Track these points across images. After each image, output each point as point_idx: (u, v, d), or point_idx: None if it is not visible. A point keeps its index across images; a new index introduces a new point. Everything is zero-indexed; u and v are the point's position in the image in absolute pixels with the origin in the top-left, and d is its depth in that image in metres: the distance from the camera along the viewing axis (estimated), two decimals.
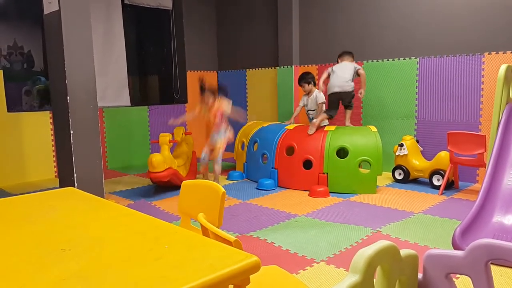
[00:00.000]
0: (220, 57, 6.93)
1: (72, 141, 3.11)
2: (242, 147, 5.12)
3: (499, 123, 3.28)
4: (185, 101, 6.53)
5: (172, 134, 4.62)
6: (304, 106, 5.05)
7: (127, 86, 5.90)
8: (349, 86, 4.71)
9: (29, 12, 5.36)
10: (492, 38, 4.17)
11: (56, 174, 5.13)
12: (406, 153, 4.37)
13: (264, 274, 1.48)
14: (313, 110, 4.93)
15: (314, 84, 4.94)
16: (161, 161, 3.99)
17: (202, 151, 4.43)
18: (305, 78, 4.90)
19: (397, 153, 4.46)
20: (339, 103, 4.78)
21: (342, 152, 4.26)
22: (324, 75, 4.86)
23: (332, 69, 4.83)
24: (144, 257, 1.05)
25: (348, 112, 4.85)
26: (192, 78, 6.59)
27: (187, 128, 6.44)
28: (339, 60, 4.91)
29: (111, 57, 5.66)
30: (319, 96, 4.85)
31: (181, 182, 1.85)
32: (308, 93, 4.96)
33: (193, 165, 4.79)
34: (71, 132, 3.11)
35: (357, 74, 4.77)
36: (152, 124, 6.19)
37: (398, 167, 4.48)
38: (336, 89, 4.71)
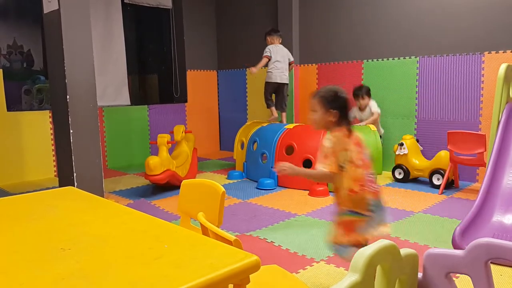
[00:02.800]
0: (220, 56, 6.92)
1: (71, 140, 3.11)
2: (242, 147, 5.12)
3: (499, 123, 3.28)
4: (185, 101, 6.53)
5: (171, 133, 4.61)
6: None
7: (127, 85, 5.91)
8: (287, 77, 5.09)
9: (28, 11, 5.35)
10: (492, 37, 4.16)
11: (55, 173, 5.13)
12: (406, 152, 4.37)
13: (264, 274, 1.48)
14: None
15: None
16: (158, 164, 3.96)
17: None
18: (365, 91, 4.78)
19: (397, 153, 4.46)
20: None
21: None
22: (265, 61, 4.96)
23: (272, 52, 4.93)
24: (144, 256, 1.05)
25: (284, 114, 5.20)
26: (192, 78, 6.60)
27: (187, 127, 6.44)
28: (271, 40, 5.04)
29: (111, 56, 5.66)
30: (375, 104, 4.76)
31: (180, 182, 1.85)
32: (363, 108, 4.80)
33: (193, 164, 4.78)
34: (71, 131, 3.11)
35: (288, 64, 5.13)
36: (152, 123, 6.19)
37: (398, 166, 4.48)
38: (279, 80, 5.00)
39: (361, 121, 4.79)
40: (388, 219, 2.01)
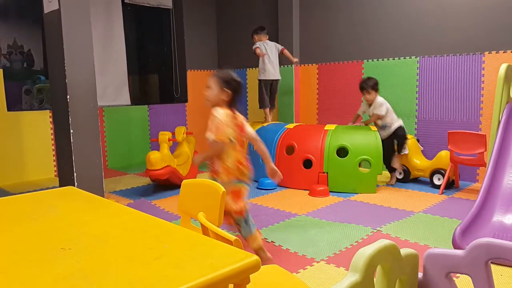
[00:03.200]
0: (220, 56, 6.92)
1: (72, 140, 3.11)
2: None
3: (499, 123, 3.28)
4: (185, 101, 6.53)
5: (173, 133, 4.62)
6: (362, 114, 4.63)
7: (127, 85, 5.90)
8: (279, 73, 5.14)
9: (29, 11, 5.35)
10: (493, 37, 4.16)
11: (56, 173, 5.13)
12: (406, 152, 4.37)
13: (264, 273, 1.48)
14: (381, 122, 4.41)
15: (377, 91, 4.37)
16: (159, 159, 3.99)
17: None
18: (370, 84, 4.34)
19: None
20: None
21: (342, 151, 4.26)
22: (259, 51, 4.98)
23: (261, 48, 4.98)
24: (144, 256, 1.05)
25: (273, 109, 5.20)
26: (192, 77, 6.60)
27: (187, 127, 6.44)
28: (258, 38, 5.09)
29: (111, 56, 5.65)
30: (378, 105, 4.31)
31: (181, 180, 1.85)
32: (370, 102, 4.39)
33: (193, 166, 4.78)
34: (71, 131, 3.11)
35: (281, 53, 5.17)
36: (152, 123, 6.19)
37: None
38: (272, 76, 5.03)
39: (369, 116, 4.43)
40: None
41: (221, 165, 2.31)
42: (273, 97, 5.24)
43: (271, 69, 5.08)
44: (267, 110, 5.22)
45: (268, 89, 5.16)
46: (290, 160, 4.38)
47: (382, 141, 4.15)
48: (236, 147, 2.31)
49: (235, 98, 2.37)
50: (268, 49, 5.08)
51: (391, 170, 4.41)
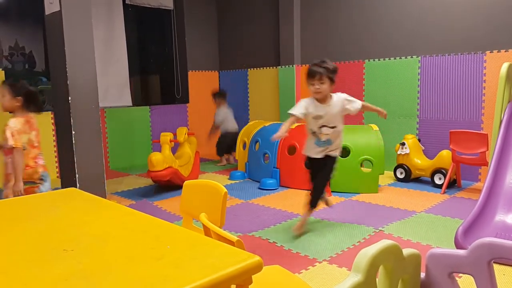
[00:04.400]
0: (222, 57, 6.93)
1: (74, 141, 3.11)
2: (244, 147, 5.12)
3: (501, 122, 3.27)
4: (187, 101, 6.54)
5: (174, 134, 4.63)
6: (305, 116, 2.88)
7: (129, 86, 5.91)
8: None
9: (30, 12, 5.37)
10: (494, 36, 4.16)
11: (58, 174, 5.13)
12: (407, 152, 4.37)
13: (267, 274, 1.48)
14: (332, 127, 2.90)
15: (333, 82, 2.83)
16: (161, 160, 4.00)
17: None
18: (326, 69, 2.76)
19: (398, 152, 4.45)
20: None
21: (343, 152, 4.25)
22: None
23: (226, 117, 5.72)
24: (146, 256, 1.05)
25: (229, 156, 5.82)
26: (193, 78, 6.60)
27: (189, 127, 6.45)
28: (218, 101, 5.81)
29: (113, 57, 5.67)
30: (351, 100, 2.95)
31: (182, 181, 1.85)
32: (322, 97, 2.83)
33: (195, 166, 4.79)
34: (73, 132, 3.11)
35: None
36: (153, 124, 6.20)
37: (399, 166, 4.47)
38: (234, 129, 5.68)
39: (317, 118, 2.86)
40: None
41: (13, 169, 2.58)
42: (233, 146, 5.55)
43: (233, 124, 5.72)
44: (223, 157, 5.78)
45: (228, 140, 5.65)
46: (292, 160, 4.38)
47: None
48: (27, 152, 2.65)
49: (28, 104, 2.70)
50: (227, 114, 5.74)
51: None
